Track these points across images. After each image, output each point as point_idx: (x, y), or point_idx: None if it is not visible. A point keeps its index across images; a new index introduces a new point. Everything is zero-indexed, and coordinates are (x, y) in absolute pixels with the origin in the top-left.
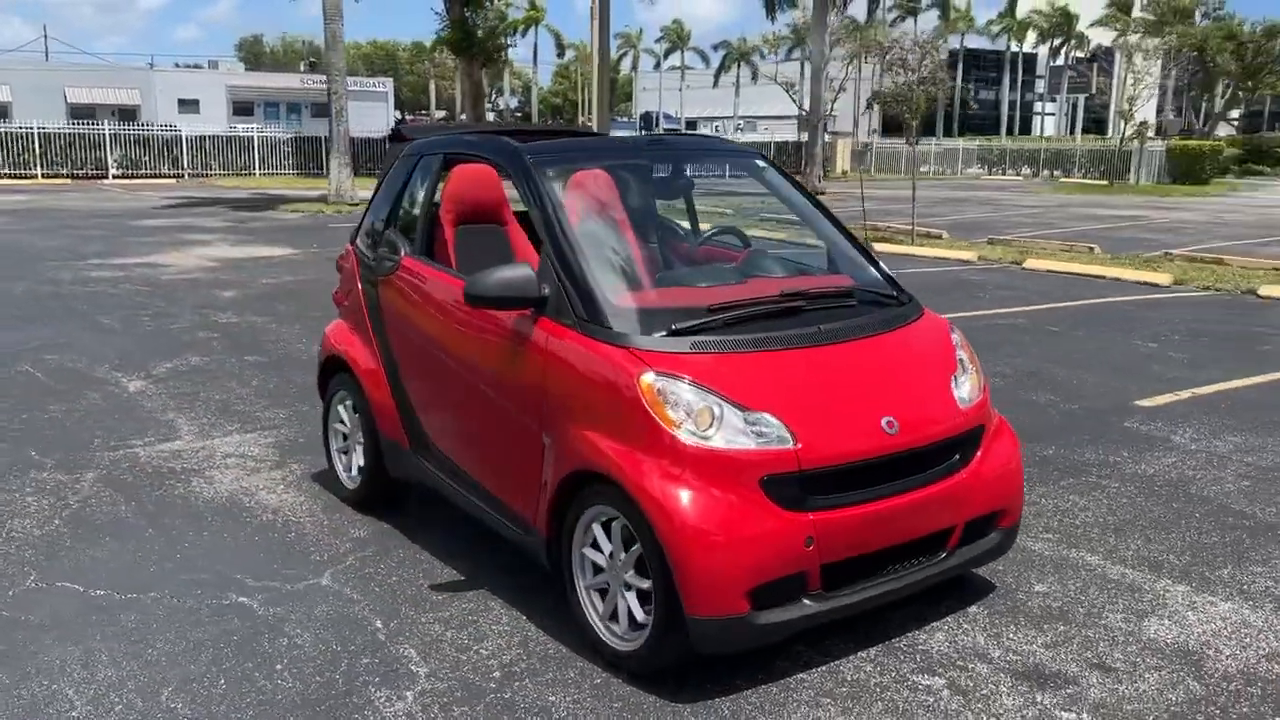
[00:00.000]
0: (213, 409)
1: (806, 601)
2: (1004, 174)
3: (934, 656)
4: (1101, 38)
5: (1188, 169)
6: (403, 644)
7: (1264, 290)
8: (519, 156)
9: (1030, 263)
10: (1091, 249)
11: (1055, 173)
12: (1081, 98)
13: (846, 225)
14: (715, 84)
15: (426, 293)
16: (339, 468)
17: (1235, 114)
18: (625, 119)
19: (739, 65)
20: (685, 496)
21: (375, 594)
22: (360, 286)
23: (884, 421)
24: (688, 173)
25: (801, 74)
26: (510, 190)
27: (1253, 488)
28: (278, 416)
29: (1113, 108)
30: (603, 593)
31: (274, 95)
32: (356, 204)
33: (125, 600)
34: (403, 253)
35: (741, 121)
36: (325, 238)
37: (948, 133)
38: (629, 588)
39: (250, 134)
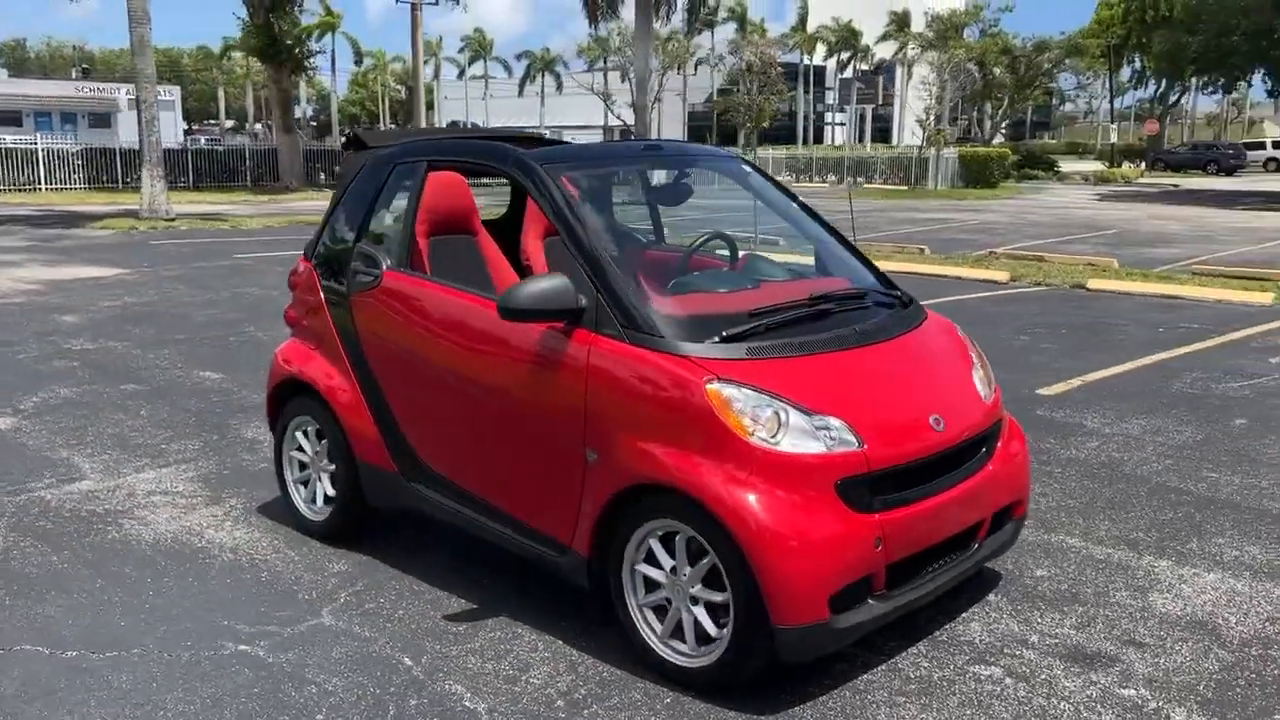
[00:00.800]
0: (109, 443)
1: (872, 602)
2: (811, 181)
3: (980, 647)
4: (885, 51)
5: (978, 174)
6: (445, 681)
7: (1092, 284)
8: (529, 162)
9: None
10: (922, 250)
11: (858, 179)
12: (869, 108)
13: None
14: (520, 93)
15: (422, 308)
16: (298, 499)
17: (1005, 123)
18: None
19: (543, 75)
20: (767, 504)
21: (390, 630)
22: (325, 306)
23: (932, 419)
24: (687, 178)
25: (606, 83)
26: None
27: (1176, 465)
28: (188, 448)
29: (896, 118)
30: (658, 610)
31: (46, 104)
32: (173, 219)
33: (108, 660)
34: (383, 267)
35: (548, 131)
36: (155, 255)
37: (748, 144)
38: (696, 601)
39: (35, 146)
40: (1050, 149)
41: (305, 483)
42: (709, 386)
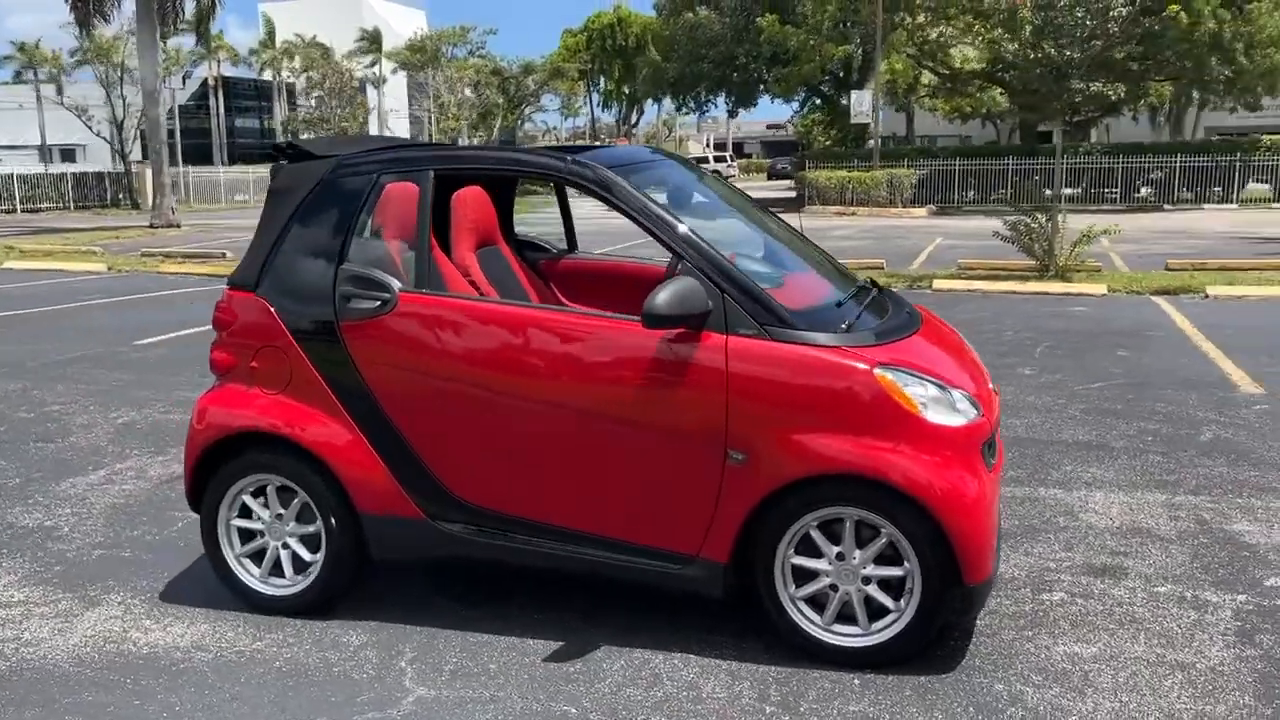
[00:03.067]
0: None
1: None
2: None
3: (1030, 579)
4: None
5: None
6: (635, 717)
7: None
8: (596, 169)
9: None
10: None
11: None
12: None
13: None
14: None
15: (470, 330)
16: (247, 576)
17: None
18: None
19: None
20: (949, 473)
21: (506, 684)
22: (294, 342)
23: (992, 388)
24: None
25: (50, 96)
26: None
27: None
28: None
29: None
30: (812, 600)
31: None
32: None
33: None
34: (394, 289)
35: None
36: None
37: (216, 161)
38: (869, 581)
39: None
40: None
41: (258, 554)
42: (877, 372)
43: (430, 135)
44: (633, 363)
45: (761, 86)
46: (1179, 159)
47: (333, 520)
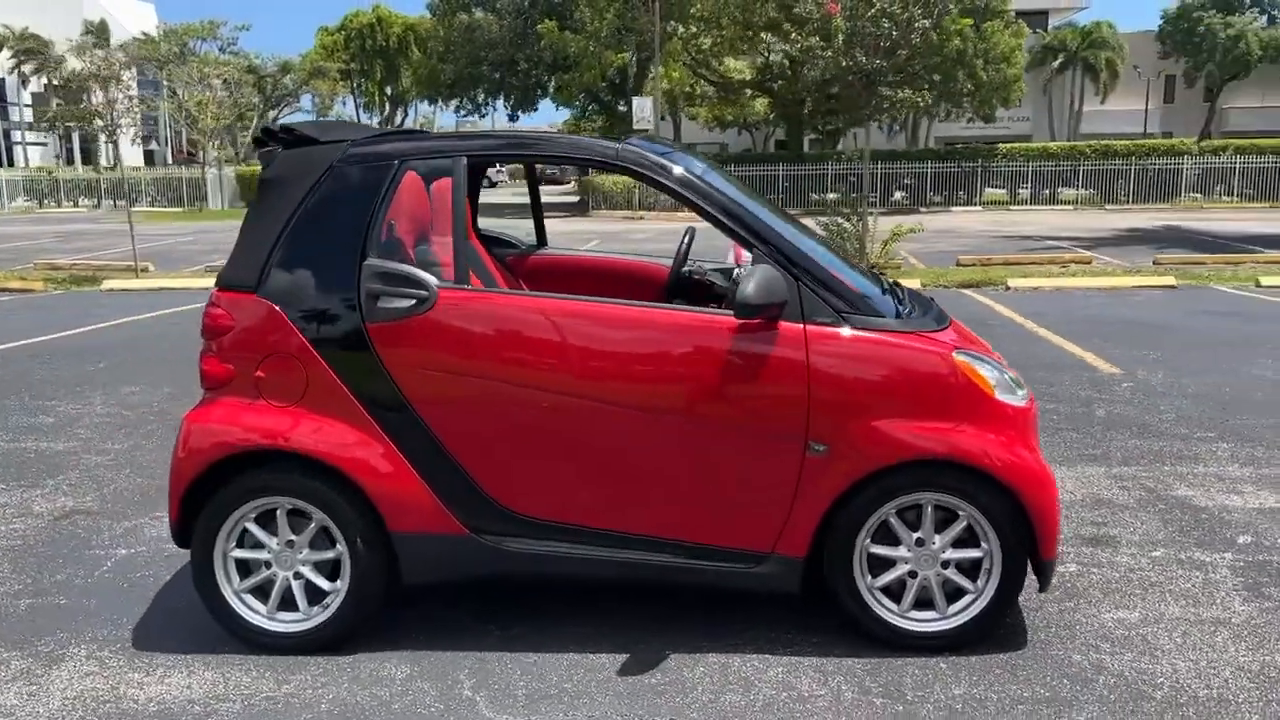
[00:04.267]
0: None
1: None
2: (61, 206)
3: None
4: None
5: None
6: None
7: None
8: (649, 154)
9: None
10: None
11: (118, 202)
12: (77, 127)
13: None
14: None
15: (530, 327)
16: (250, 614)
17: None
18: None
19: None
20: (1025, 453)
21: (603, 713)
22: (310, 347)
23: None
24: None
25: None
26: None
27: None
28: None
29: (102, 136)
30: (887, 590)
31: None
32: None
33: None
34: (433, 287)
35: None
36: None
37: None
38: (947, 565)
39: None
40: None
41: (261, 589)
42: (955, 356)
43: (169, 138)
44: (707, 356)
45: (540, 91)
46: (930, 166)
47: (359, 543)
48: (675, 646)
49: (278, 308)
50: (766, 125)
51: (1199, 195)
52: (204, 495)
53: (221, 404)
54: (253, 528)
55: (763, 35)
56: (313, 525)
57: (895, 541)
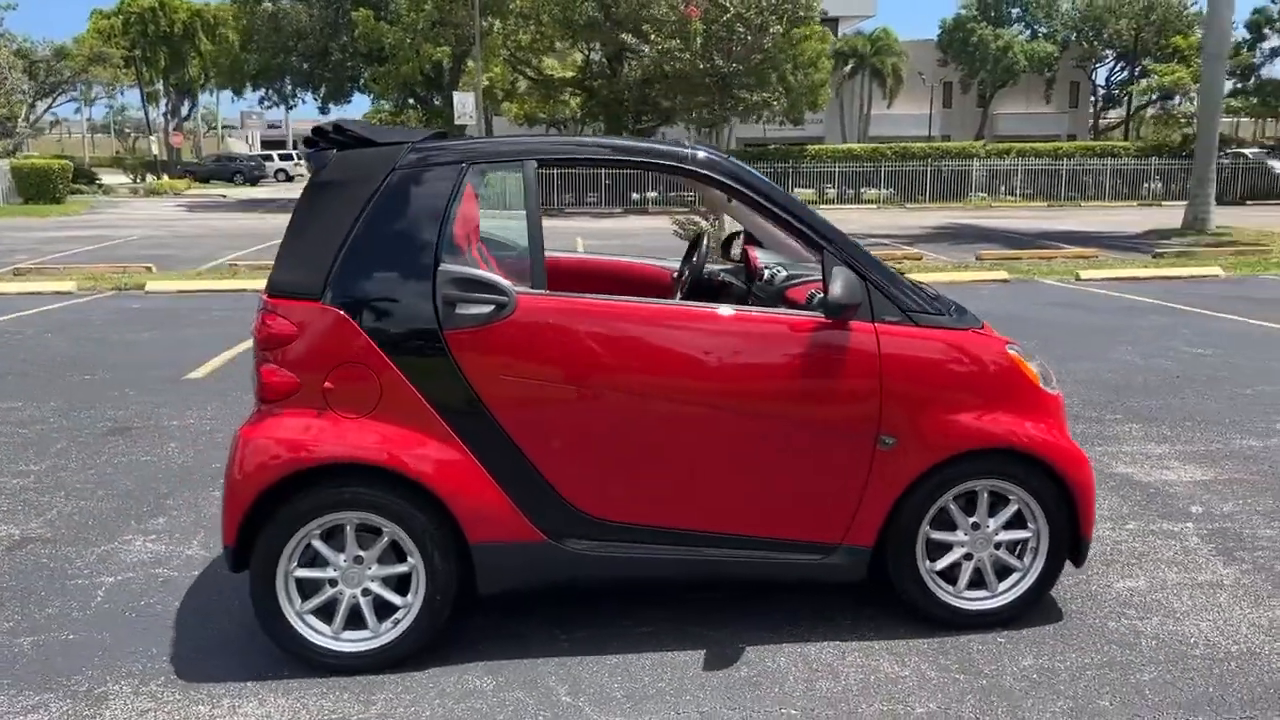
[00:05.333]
0: None
1: None
2: None
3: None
4: None
5: (39, 188)
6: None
7: None
8: (723, 161)
9: (152, 284)
10: (149, 268)
11: None
12: None
13: None
14: None
15: (611, 331)
16: (316, 636)
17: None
18: None
19: None
20: (1066, 438)
21: (712, 709)
22: (384, 357)
23: None
24: None
25: None
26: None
27: None
28: None
29: None
30: (944, 574)
31: None
32: None
33: None
34: (512, 292)
35: None
36: None
37: None
38: (999, 546)
39: None
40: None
41: (326, 609)
42: (1008, 350)
43: None
44: (786, 355)
45: (352, 84)
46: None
47: (435, 555)
48: (745, 640)
49: (348, 315)
50: (577, 123)
51: (985, 194)
52: (263, 514)
53: (285, 417)
54: (319, 545)
55: (583, 34)
56: (384, 540)
57: (953, 527)
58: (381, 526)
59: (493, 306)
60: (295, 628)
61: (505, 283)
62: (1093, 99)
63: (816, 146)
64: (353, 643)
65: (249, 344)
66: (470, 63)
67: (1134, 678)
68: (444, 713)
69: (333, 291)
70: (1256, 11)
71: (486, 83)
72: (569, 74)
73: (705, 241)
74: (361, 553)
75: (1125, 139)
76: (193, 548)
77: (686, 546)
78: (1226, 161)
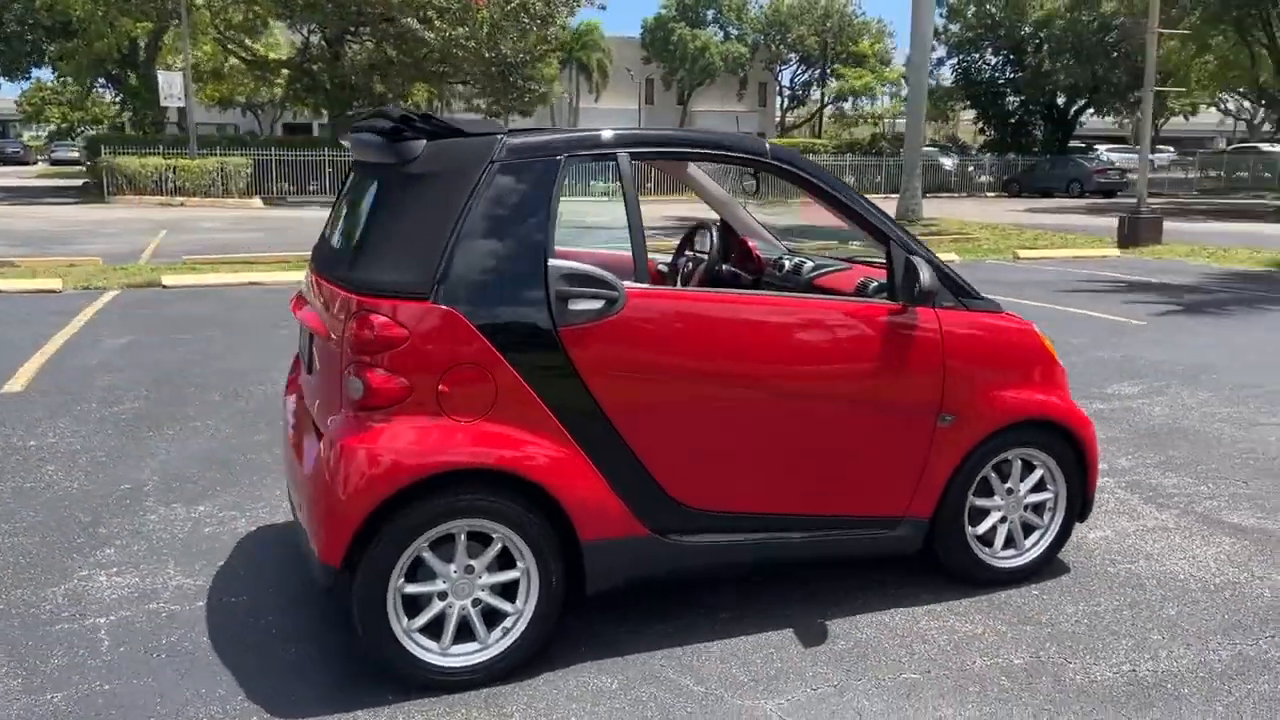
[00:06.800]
0: None
1: None
2: None
3: None
4: None
5: None
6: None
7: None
8: (798, 158)
9: None
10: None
11: None
12: None
13: None
14: None
15: (713, 323)
16: (426, 654)
17: None
18: None
19: None
20: (1077, 408)
21: (852, 687)
22: (500, 355)
23: None
24: None
25: None
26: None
27: None
28: None
29: None
30: (981, 538)
31: None
32: None
33: None
34: (621, 287)
35: None
36: None
37: None
38: (1026, 509)
39: None
40: None
41: (435, 624)
42: (1036, 330)
43: None
44: (872, 341)
45: (31, 59)
46: None
47: (550, 559)
48: (822, 615)
49: (463, 315)
50: (276, 107)
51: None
52: (372, 529)
53: (398, 423)
54: (429, 557)
55: (302, 14)
56: (495, 546)
57: (991, 493)
58: (492, 532)
59: (603, 302)
60: (406, 647)
61: (613, 278)
62: (780, 99)
63: None
64: (462, 656)
65: (57, 345)
66: (167, 40)
67: (1162, 613)
68: (590, 715)
69: (444, 290)
70: None
71: (195, 61)
72: (286, 56)
73: (714, 232)
74: (472, 562)
75: (811, 136)
76: (174, 577)
77: (769, 531)
78: None
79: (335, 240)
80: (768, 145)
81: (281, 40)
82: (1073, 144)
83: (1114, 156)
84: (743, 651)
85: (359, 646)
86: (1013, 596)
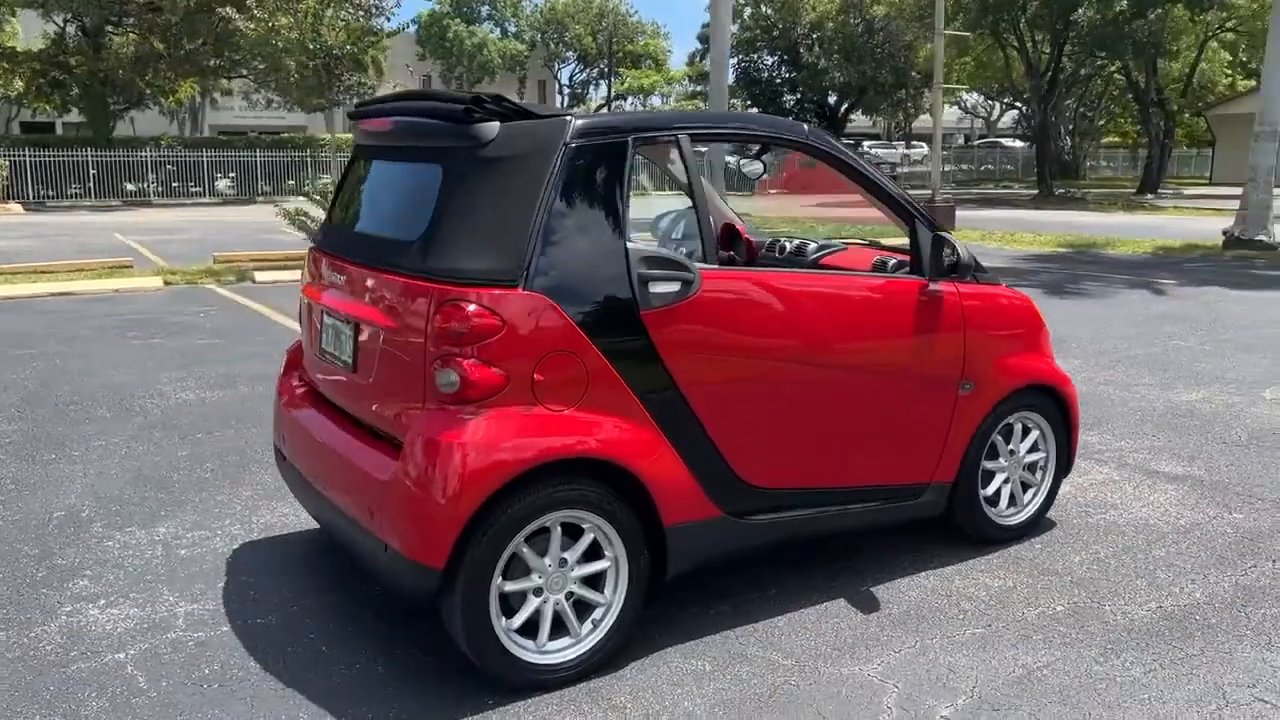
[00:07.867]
0: None
1: None
2: None
3: None
4: None
5: None
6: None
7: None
8: (832, 140)
9: None
10: None
11: None
12: None
13: None
14: None
15: (763, 304)
16: (525, 653)
17: None
18: None
19: None
20: (1061, 370)
21: (943, 650)
22: (591, 343)
23: None
24: None
25: None
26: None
27: None
28: None
29: None
30: (990, 500)
31: None
32: None
33: None
34: (696, 269)
35: None
36: None
37: None
38: (1022, 467)
39: None
40: None
41: (530, 624)
42: (1032, 301)
43: None
44: (909, 314)
45: None
46: (260, 155)
47: (639, 546)
48: (863, 584)
49: (555, 302)
50: (11, 104)
51: None
52: (476, 526)
53: (496, 415)
54: (526, 553)
55: (57, 4)
56: (587, 536)
57: (997, 456)
58: (583, 523)
59: (680, 284)
60: (508, 648)
61: (687, 260)
62: (560, 97)
63: (326, 137)
64: (559, 652)
65: None
66: None
67: (1154, 555)
68: (703, 699)
69: (535, 276)
70: (706, 25)
71: None
72: (31, 48)
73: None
74: (564, 555)
75: None
76: (178, 604)
77: (821, 506)
78: None
79: (377, 228)
80: (810, 130)
81: (20, 29)
82: (843, 141)
83: (878, 152)
84: (811, 623)
85: (418, 655)
86: (1020, 551)
